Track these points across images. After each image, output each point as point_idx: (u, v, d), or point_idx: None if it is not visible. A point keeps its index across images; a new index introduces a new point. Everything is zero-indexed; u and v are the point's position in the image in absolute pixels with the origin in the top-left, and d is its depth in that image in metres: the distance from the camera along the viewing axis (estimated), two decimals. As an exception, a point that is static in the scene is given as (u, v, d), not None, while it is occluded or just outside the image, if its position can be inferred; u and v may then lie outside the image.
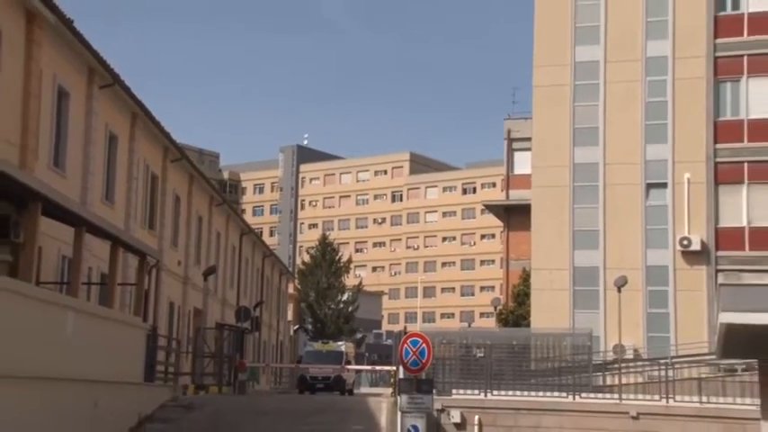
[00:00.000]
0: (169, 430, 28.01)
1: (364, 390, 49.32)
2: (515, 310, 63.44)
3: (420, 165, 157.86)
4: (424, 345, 23.88)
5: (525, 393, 33.76)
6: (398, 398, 24.83)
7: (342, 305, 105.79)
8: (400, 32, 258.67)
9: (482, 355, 40.28)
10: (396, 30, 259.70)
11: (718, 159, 50.11)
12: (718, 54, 50.96)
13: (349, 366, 53.52)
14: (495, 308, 66.48)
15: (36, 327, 19.25)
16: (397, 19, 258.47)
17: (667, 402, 31.91)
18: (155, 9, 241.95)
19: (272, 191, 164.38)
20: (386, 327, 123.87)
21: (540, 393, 34.00)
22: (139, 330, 29.94)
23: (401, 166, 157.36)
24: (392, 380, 34.42)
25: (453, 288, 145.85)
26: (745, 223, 49.59)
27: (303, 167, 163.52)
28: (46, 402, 20.03)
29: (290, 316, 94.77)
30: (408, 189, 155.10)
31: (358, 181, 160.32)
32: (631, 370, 41.76)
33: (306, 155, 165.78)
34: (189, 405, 32.87)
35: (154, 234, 39.61)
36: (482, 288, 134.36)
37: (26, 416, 18.62)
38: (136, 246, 29.67)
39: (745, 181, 49.74)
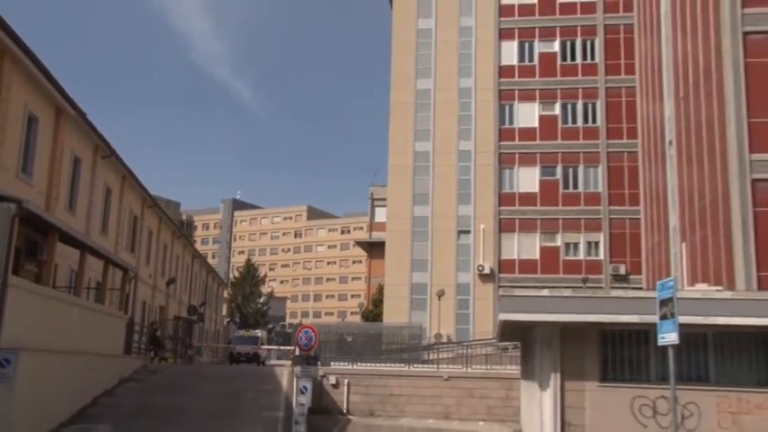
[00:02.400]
0: (139, 386, 27.82)
1: (273, 362, 49.52)
2: (373, 311, 64.40)
3: (314, 213, 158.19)
4: (312, 333, 24.20)
5: (378, 365, 34.28)
6: (295, 368, 24.84)
7: (259, 306, 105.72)
8: (306, 118, 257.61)
9: (351, 339, 41.02)
10: (304, 115, 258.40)
11: (501, 217, 51.70)
12: (501, 151, 52.66)
13: (263, 346, 53.61)
14: (360, 309, 67.36)
15: (52, 316, 20.10)
16: (299, 105, 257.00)
17: (466, 369, 32.44)
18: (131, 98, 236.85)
19: (214, 228, 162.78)
20: (288, 320, 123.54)
21: (388, 365, 34.27)
22: (121, 320, 30.16)
23: (301, 214, 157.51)
24: (291, 356, 34.66)
25: (333, 295, 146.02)
26: (516, 257, 51.47)
27: (236, 213, 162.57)
28: (62, 366, 20.89)
29: (224, 312, 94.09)
30: (305, 229, 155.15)
31: (272, 223, 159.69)
32: (445, 349, 42.67)
33: (238, 204, 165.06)
34: (154, 371, 32.42)
35: (134, 255, 39.44)
36: (352, 296, 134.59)
37: (48, 375, 19.47)
38: (121, 263, 29.89)
39: (516, 230, 51.61)
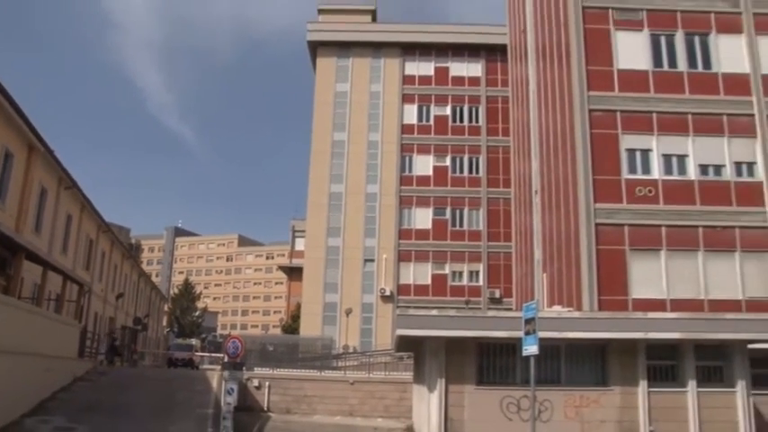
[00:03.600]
0: (91, 385, 26.98)
1: (205, 367, 48.90)
2: (292, 325, 63.73)
3: (244, 241, 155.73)
4: (239, 343, 23.87)
5: (295, 371, 33.86)
6: (223, 372, 24.45)
7: (195, 318, 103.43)
8: (241, 160, 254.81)
9: (272, 349, 40.74)
10: (238, 157, 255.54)
11: (400, 248, 52.42)
12: (402, 194, 53.52)
13: (197, 353, 52.70)
14: (281, 323, 66.80)
15: (18, 324, 19.60)
16: (234, 149, 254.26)
17: (369, 375, 32.30)
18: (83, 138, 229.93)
19: (159, 251, 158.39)
20: (219, 331, 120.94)
21: (303, 371, 33.82)
22: (76, 328, 29.14)
23: (232, 242, 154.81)
24: (221, 362, 34.13)
25: (258, 311, 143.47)
26: (412, 282, 52.13)
27: (178, 239, 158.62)
28: (25, 366, 20.31)
29: (164, 323, 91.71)
30: (236, 254, 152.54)
31: (208, 248, 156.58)
32: (351, 358, 42.62)
33: (180, 231, 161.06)
34: (103, 372, 31.42)
35: (89, 273, 38.49)
36: (274, 312, 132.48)
37: (13, 372, 19.11)
38: (77, 279, 29.11)
39: (413, 260, 52.44)
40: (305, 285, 53.81)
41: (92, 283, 36.83)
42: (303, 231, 59.48)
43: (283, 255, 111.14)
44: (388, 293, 51.37)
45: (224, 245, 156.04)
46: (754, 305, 24.95)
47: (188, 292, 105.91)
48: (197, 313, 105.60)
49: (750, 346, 19.95)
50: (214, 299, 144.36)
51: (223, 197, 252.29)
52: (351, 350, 47.44)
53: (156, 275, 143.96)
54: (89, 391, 26.10)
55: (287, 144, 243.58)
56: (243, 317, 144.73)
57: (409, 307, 40.33)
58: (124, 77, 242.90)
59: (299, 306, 59.07)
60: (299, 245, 65.86)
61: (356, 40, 56.95)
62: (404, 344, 22.53)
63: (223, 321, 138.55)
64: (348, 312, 50.09)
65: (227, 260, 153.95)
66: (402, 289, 51.90)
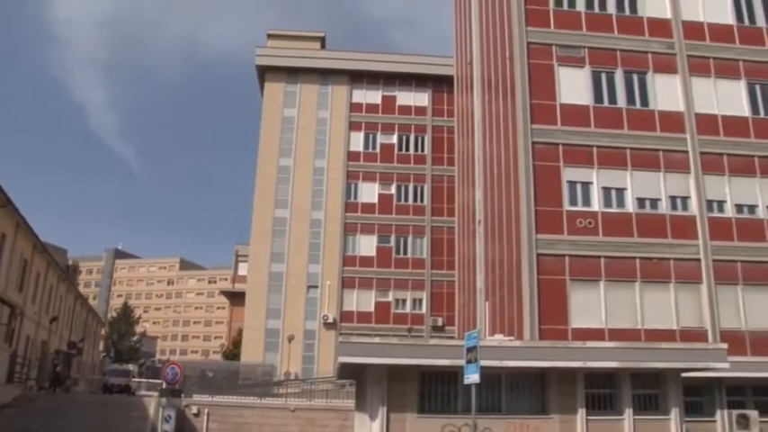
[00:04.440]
0: (18, 413, 26.25)
1: (142, 393, 47.65)
2: (233, 351, 62.62)
3: (185, 265, 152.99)
4: (178, 369, 23.59)
5: (235, 397, 33.48)
6: (161, 399, 24.10)
7: (133, 343, 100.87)
8: (185, 182, 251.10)
9: (212, 375, 40.22)
10: (183, 180, 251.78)
11: (344, 275, 52.11)
12: (347, 221, 53.34)
13: (134, 379, 51.48)
14: (221, 349, 65.81)
15: None
16: (179, 171, 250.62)
17: (310, 402, 32.14)
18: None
19: (97, 273, 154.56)
20: (158, 357, 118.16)
21: (243, 397, 33.57)
22: (5, 352, 28.75)
23: (174, 265, 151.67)
24: (159, 388, 33.52)
25: (199, 336, 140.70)
26: (355, 309, 51.53)
27: (117, 261, 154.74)
28: None
29: (101, 347, 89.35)
30: (177, 278, 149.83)
31: (149, 271, 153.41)
32: (292, 385, 42.17)
33: (120, 254, 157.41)
34: (32, 398, 30.89)
35: (21, 295, 37.42)
36: (215, 337, 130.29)
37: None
38: (9, 301, 28.52)
39: (356, 287, 52.23)
40: (247, 311, 53.02)
41: (24, 305, 35.66)
42: (247, 256, 58.79)
43: (226, 279, 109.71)
44: (331, 320, 51.04)
45: (165, 268, 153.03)
46: (688, 335, 25.71)
47: (126, 316, 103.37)
48: (135, 338, 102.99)
49: (683, 374, 20.54)
50: (154, 323, 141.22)
51: (166, 220, 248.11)
52: (292, 377, 46.93)
53: (94, 298, 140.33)
54: (18, 418, 25.29)
55: (232, 167, 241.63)
56: (183, 342, 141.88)
57: (352, 334, 40.40)
58: (65, 94, 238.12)
59: (240, 332, 58.18)
60: (243, 270, 65.16)
61: (305, 67, 57.08)
62: (346, 371, 22.43)
63: (162, 346, 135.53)
64: (290, 339, 49.61)
65: (168, 284, 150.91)
66: (345, 316, 51.66)
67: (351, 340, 20.60)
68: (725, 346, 21.02)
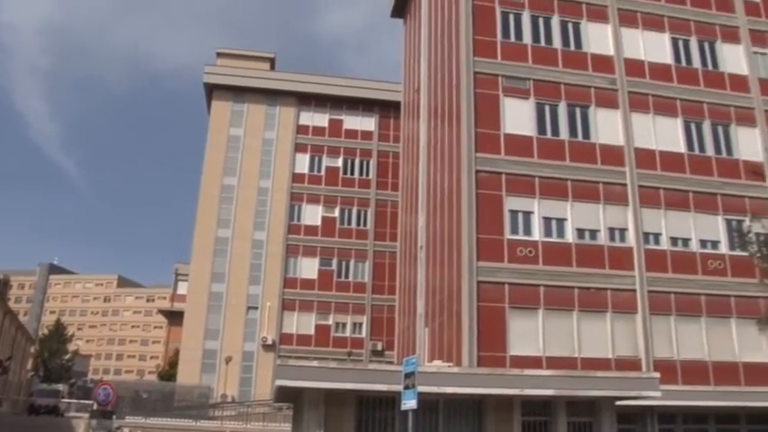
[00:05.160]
0: None
1: (72, 414, 46.19)
2: (169, 371, 61.34)
3: (123, 282, 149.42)
4: (110, 390, 23.02)
5: (169, 420, 32.93)
6: (91, 421, 23.48)
7: (65, 362, 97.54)
8: (126, 198, 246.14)
9: (146, 396, 39.34)
10: (123, 195, 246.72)
11: (285, 297, 51.70)
12: (289, 242, 53.13)
13: (63, 399, 49.89)
14: (157, 369, 64.36)
15: None
16: (120, 186, 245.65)
17: (246, 425, 31.99)
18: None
19: (29, 288, 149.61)
20: (91, 376, 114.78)
21: (178, 420, 33.22)
22: None
23: (112, 282, 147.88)
24: (90, 410, 32.59)
25: (134, 356, 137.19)
26: (295, 331, 51.12)
27: (52, 276, 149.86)
28: None
29: (29, 366, 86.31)
30: (114, 296, 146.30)
31: (84, 288, 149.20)
32: (229, 408, 41.67)
33: (54, 269, 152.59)
34: None
35: None
36: (151, 357, 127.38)
37: None
38: None
39: (297, 309, 51.79)
40: (185, 331, 52.01)
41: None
42: (187, 275, 57.69)
43: (165, 298, 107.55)
44: (270, 342, 50.38)
45: (102, 285, 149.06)
46: (622, 363, 26.04)
47: (59, 334, 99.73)
48: (67, 356, 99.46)
49: (617, 402, 20.71)
50: (87, 341, 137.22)
51: (105, 235, 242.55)
52: (229, 399, 46.21)
53: (25, 314, 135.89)
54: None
55: (176, 184, 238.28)
56: (118, 361, 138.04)
57: (291, 357, 40.03)
58: (5, 101, 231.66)
59: (177, 352, 56.97)
60: (182, 289, 63.88)
61: (253, 86, 56.83)
62: (283, 394, 21.92)
63: (96, 365, 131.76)
64: (228, 360, 48.75)
65: (105, 301, 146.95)
66: (284, 338, 51.10)
67: (289, 363, 20.06)
68: (657, 375, 21.30)
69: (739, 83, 32.76)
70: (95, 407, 22.96)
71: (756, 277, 24.78)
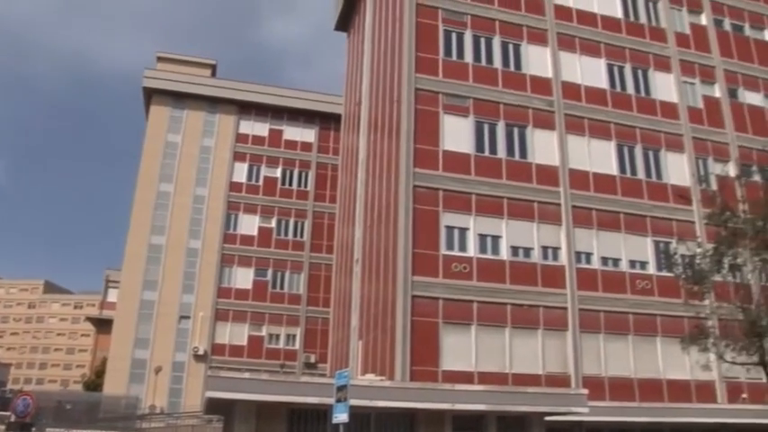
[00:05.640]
0: None
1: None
2: (96, 381, 59.67)
3: (50, 288, 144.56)
4: (30, 400, 22.17)
5: None
6: None
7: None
8: (56, 202, 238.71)
9: (70, 407, 38.17)
10: (54, 199, 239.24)
11: (218, 307, 50.92)
12: (224, 252, 52.44)
13: (-22, 410, 47.84)
14: (83, 379, 62.48)
15: None
16: (51, 190, 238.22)
17: None
18: None
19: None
20: (11, 386, 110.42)
21: None
22: None
23: (37, 287, 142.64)
24: (6, 422, 31.17)
25: (59, 364, 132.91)
26: (227, 342, 50.52)
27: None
28: None
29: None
30: (39, 302, 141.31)
31: (7, 293, 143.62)
32: (157, 419, 40.75)
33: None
34: None
35: None
36: (77, 366, 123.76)
37: None
38: None
39: (230, 320, 51.06)
40: (114, 339, 50.63)
41: None
42: (118, 282, 56.25)
43: (94, 305, 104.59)
44: (201, 352, 49.48)
45: (27, 290, 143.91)
46: (552, 379, 26.44)
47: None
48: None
49: (547, 418, 21.01)
50: (8, 349, 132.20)
51: (33, 239, 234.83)
52: (157, 411, 45.13)
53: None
54: None
55: (110, 190, 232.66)
56: (41, 370, 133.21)
57: (222, 368, 39.41)
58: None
59: (105, 361, 55.37)
60: (112, 296, 62.15)
61: (193, 93, 56.07)
62: (214, 406, 21.59)
63: (17, 375, 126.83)
64: (158, 371, 47.59)
65: (29, 307, 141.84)
66: (216, 349, 50.26)
67: (220, 374, 19.80)
68: (586, 391, 21.76)
69: (669, 110, 33.90)
70: (13, 419, 22.00)
71: (681, 298, 25.45)
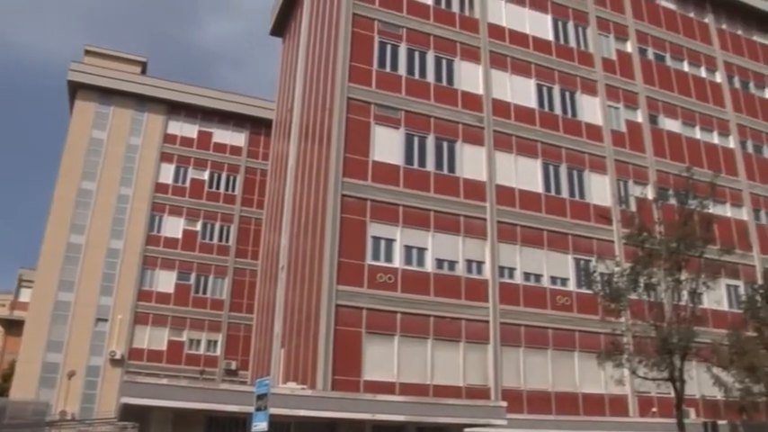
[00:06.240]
0: None
1: None
2: (2, 385, 57.04)
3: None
4: None
5: None
6: None
7: None
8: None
9: (-34, 414, 36.29)
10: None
11: (138, 310, 49.56)
12: (147, 254, 51.03)
13: None
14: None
15: None
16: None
17: None
18: None
19: None
20: None
21: None
22: None
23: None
24: None
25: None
26: (146, 346, 49.14)
27: None
28: None
29: None
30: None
31: None
32: (67, 426, 39.15)
33: None
34: None
35: None
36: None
37: None
38: None
39: (150, 323, 49.62)
40: (24, 341, 48.57)
41: None
42: (31, 282, 54.38)
43: (4, 305, 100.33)
44: (118, 357, 48.02)
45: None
46: (473, 392, 26.83)
47: None
48: None
49: (466, 430, 21.31)
50: None
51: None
52: (68, 417, 43.53)
53: None
54: None
55: (28, 185, 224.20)
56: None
57: (140, 373, 38.42)
58: None
59: (13, 364, 53.16)
60: (25, 296, 60.24)
61: (121, 89, 54.62)
62: (129, 413, 21.06)
63: None
64: (71, 375, 45.87)
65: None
66: (134, 353, 48.86)
67: (137, 380, 19.36)
68: (505, 404, 22.16)
69: (594, 132, 35.01)
70: None
71: (599, 314, 26.24)
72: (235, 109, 56.56)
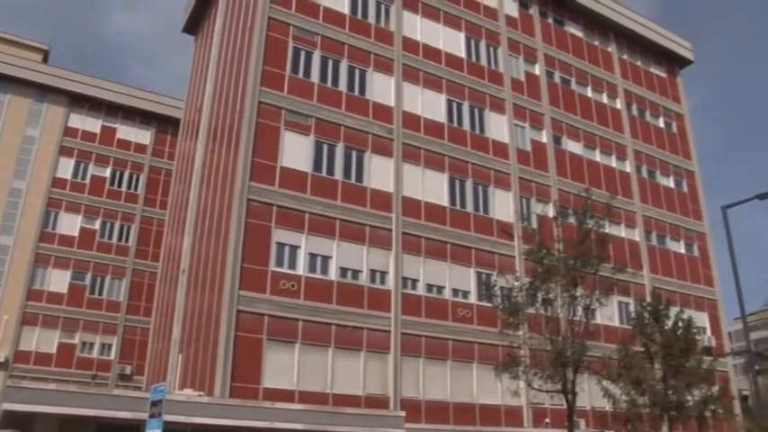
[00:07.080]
0: None
1: None
2: None
3: None
4: None
5: None
6: None
7: None
8: None
9: None
10: None
11: (26, 310, 46.76)
12: (39, 251, 48.87)
13: None
14: None
15: None
16: None
17: None
18: None
19: None
20: None
21: None
22: None
23: None
24: None
25: None
26: (33, 349, 46.72)
27: None
28: None
29: None
30: None
31: None
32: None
33: None
34: None
35: None
36: None
37: None
38: None
39: (39, 325, 46.96)
40: None
41: None
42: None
43: None
44: (2, 360, 45.34)
45: None
46: (372, 401, 27.01)
47: None
48: None
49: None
50: None
51: None
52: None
53: None
54: None
55: None
56: None
57: (25, 377, 36.73)
58: None
59: None
60: None
61: (18, 77, 52.07)
62: (11, 420, 20.20)
63: None
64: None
65: None
66: (20, 356, 46.27)
67: (21, 384, 18.60)
68: (403, 413, 22.48)
69: (500, 149, 36.01)
70: None
71: (497, 327, 26.90)
72: (141, 105, 54.95)
